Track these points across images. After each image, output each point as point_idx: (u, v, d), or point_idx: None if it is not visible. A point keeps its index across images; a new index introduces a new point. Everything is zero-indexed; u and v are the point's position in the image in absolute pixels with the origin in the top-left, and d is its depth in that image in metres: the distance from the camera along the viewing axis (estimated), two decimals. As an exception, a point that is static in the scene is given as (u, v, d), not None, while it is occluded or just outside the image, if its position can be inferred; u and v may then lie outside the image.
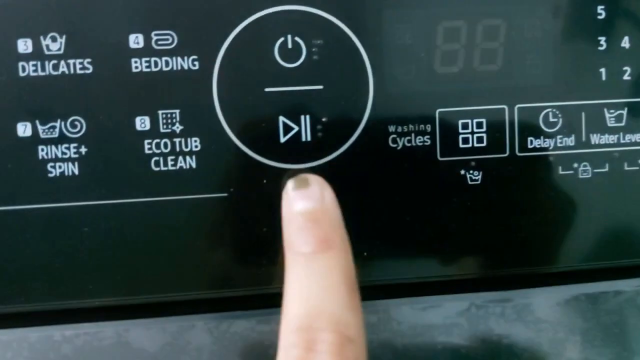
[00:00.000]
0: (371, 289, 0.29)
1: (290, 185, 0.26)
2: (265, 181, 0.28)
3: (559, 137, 0.29)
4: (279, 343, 0.23)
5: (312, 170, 0.28)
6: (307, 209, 0.25)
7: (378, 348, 0.29)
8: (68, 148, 0.27)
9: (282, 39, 0.28)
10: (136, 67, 0.27)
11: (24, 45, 0.26)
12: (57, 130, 0.27)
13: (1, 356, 0.28)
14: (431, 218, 0.29)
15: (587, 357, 0.30)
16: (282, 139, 0.28)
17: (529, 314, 0.30)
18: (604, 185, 0.30)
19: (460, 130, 0.29)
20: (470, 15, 0.28)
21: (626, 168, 0.30)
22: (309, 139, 0.28)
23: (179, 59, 0.27)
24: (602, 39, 0.29)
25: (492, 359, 0.30)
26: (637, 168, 0.30)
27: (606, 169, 0.30)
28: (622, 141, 0.30)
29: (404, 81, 0.28)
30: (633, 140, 0.30)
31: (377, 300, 0.29)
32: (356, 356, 0.22)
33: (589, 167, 0.30)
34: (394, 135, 0.29)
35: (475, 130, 0.29)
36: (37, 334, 0.28)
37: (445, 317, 0.30)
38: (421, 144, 0.29)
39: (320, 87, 0.28)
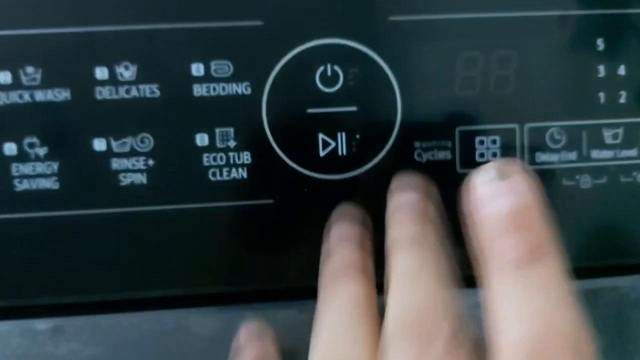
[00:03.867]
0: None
1: (480, 175, 0.19)
2: (306, 190, 0.29)
3: (562, 152, 0.30)
4: None
5: (347, 181, 0.29)
6: (515, 206, 0.19)
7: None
8: (138, 161, 0.29)
9: (322, 68, 0.29)
10: (197, 92, 0.28)
11: (101, 73, 0.28)
12: (128, 145, 0.29)
13: (77, 339, 0.30)
14: (452, 223, 0.29)
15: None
16: (322, 153, 0.29)
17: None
18: (603, 195, 0.31)
19: (477, 146, 0.30)
20: (486, 47, 0.29)
21: (622, 180, 0.31)
22: (344, 153, 0.29)
23: (234, 84, 0.29)
24: (601, 67, 0.30)
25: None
26: (632, 180, 0.31)
27: (604, 181, 0.31)
28: (618, 156, 0.31)
29: (428, 103, 0.29)
30: (628, 155, 0.31)
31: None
32: None
33: (589, 179, 0.31)
34: (419, 150, 0.30)
35: (490, 146, 0.30)
36: (107, 321, 0.30)
37: (464, 308, 0.30)
38: (443, 158, 0.30)
39: (355, 108, 0.29)
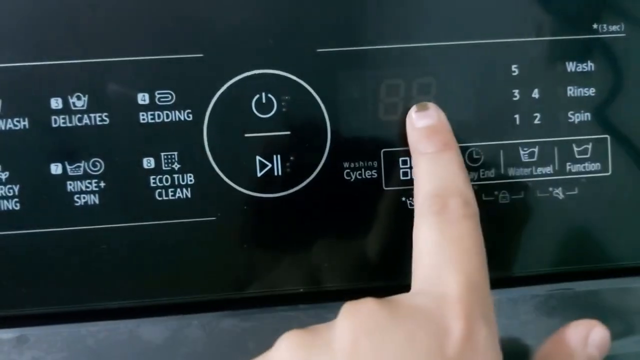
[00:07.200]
0: (332, 293, 0.31)
1: (413, 109, 0.30)
2: (245, 207, 0.31)
3: (481, 170, 0.31)
4: (416, 211, 0.27)
5: (283, 199, 0.31)
6: (430, 124, 0.29)
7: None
8: (90, 183, 0.30)
9: (258, 95, 0.30)
10: (143, 119, 0.30)
11: (56, 103, 0.29)
12: (82, 169, 0.30)
13: (39, 347, 0.31)
14: (379, 235, 0.31)
15: (507, 348, 0.29)
16: (259, 174, 0.30)
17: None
18: (520, 209, 0.32)
19: (401, 166, 0.31)
20: (407, 75, 0.31)
21: (538, 195, 0.32)
22: (280, 173, 0.30)
23: (177, 112, 0.30)
24: (516, 91, 0.31)
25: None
26: (547, 195, 0.32)
27: (522, 196, 0.32)
28: (534, 173, 0.32)
29: (355, 127, 0.31)
30: (543, 172, 0.32)
31: (338, 302, 0.29)
32: (474, 213, 0.27)
33: (507, 194, 0.32)
34: (348, 170, 0.31)
35: (412, 165, 0.31)
36: (67, 330, 0.31)
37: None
38: (370, 176, 0.31)
39: (289, 132, 0.30)
